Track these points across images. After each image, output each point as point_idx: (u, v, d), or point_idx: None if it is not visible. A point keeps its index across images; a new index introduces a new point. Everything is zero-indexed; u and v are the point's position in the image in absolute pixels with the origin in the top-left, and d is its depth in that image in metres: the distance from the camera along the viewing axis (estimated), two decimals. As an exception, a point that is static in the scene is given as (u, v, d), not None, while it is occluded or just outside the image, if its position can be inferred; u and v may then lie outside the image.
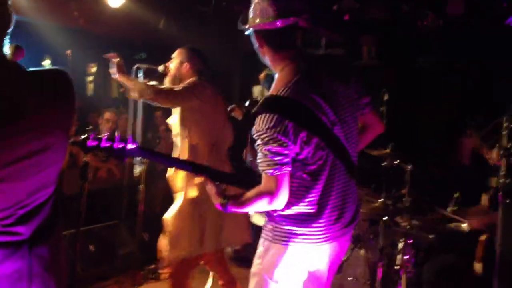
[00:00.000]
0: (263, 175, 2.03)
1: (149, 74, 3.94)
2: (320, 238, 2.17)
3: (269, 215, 2.20)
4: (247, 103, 4.60)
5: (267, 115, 1.98)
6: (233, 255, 5.14)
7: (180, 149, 3.68)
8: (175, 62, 3.82)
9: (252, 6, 2.17)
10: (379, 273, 3.55)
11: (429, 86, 5.88)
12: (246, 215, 3.98)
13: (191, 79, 3.70)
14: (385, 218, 3.58)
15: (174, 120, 3.75)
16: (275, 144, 1.98)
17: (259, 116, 2.00)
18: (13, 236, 1.56)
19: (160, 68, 3.87)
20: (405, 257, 3.60)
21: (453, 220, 3.86)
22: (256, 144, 2.03)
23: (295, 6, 2.19)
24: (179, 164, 2.45)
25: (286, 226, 2.15)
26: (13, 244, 1.57)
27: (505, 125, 1.96)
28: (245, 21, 2.20)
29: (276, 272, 2.18)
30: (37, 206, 1.62)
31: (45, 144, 1.59)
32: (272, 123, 1.97)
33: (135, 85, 3.56)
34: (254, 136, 2.04)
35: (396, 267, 3.61)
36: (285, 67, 2.15)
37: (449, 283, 3.51)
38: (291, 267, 2.19)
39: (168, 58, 3.89)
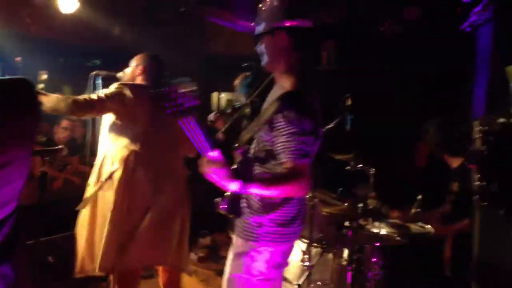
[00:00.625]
0: (291, 162, 2.08)
1: (108, 81, 3.84)
2: (295, 238, 2.37)
3: (256, 216, 2.26)
4: (228, 110, 4.54)
5: (301, 108, 2.08)
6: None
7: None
8: (131, 66, 3.75)
9: (272, 3, 2.20)
10: (348, 277, 3.56)
11: (389, 90, 5.96)
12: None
13: (114, 85, 3.54)
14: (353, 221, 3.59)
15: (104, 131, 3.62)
16: (306, 135, 2.09)
17: (293, 108, 2.06)
18: None
19: (119, 74, 3.79)
20: (373, 260, 3.63)
21: (417, 221, 3.93)
22: (288, 132, 2.07)
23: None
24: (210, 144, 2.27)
25: (273, 228, 2.25)
26: None
27: (478, 128, 1.98)
28: (267, 18, 2.21)
29: (259, 271, 2.27)
30: (1, 221, 1.53)
31: (9, 158, 1.49)
32: (305, 116, 2.09)
33: (50, 99, 3.28)
34: (282, 125, 2.08)
35: (364, 270, 3.63)
36: (298, 69, 2.24)
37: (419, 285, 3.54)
38: (274, 265, 2.29)
39: (124, 65, 3.81)
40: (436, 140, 3.59)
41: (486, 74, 4.67)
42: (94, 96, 3.41)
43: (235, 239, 2.35)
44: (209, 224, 5.69)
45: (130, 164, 3.46)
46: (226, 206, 2.30)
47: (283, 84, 2.26)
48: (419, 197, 3.92)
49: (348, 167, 3.96)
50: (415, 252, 3.69)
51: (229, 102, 10.71)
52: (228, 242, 6.02)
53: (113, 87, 3.52)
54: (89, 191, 3.57)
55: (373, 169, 3.93)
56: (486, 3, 4.32)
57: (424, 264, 3.68)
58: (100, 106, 3.41)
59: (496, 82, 4.47)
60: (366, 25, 6.11)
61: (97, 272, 3.46)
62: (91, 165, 3.71)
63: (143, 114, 3.53)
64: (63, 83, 7.61)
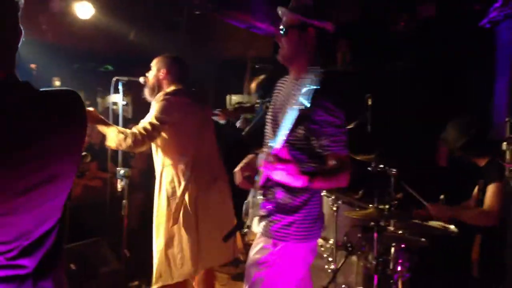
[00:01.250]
0: (337, 155, 2.17)
1: (129, 86, 3.85)
2: (320, 233, 2.43)
3: (286, 215, 2.28)
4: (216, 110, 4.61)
5: (337, 100, 2.17)
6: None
7: (163, 169, 3.63)
8: (153, 70, 3.74)
9: (308, 1, 2.26)
10: (375, 279, 3.51)
11: (406, 89, 5.91)
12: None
13: (158, 99, 3.57)
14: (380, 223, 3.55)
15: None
16: (346, 128, 2.21)
17: (332, 103, 2.15)
18: (17, 270, 1.43)
19: (141, 79, 3.78)
20: (399, 262, 3.58)
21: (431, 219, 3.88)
22: (335, 125, 2.15)
23: None
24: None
25: (304, 225, 2.29)
26: (17, 278, 1.43)
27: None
28: (302, 11, 2.23)
29: (291, 270, 2.32)
30: (41, 236, 1.48)
31: (54, 172, 1.44)
32: (341, 107, 2.18)
33: (111, 136, 3.43)
34: (330, 119, 2.14)
35: (390, 272, 3.58)
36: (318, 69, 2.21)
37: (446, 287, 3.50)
38: (304, 263, 2.37)
39: (137, 69, 3.82)
40: (458, 145, 3.52)
41: (508, 70, 4.63)
42: (148, 126, 3.44)
43: (265, 240, 2.35)
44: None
45: (189, 174, 3.56)
46: (269, 209, 2.33)
47: (309, 82, 2.23)
48: (442, 196, 3.85)
49: (369, 168, 3.91)
50: (442, 253, 3.64)
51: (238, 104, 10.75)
52: (245, 246, 6.01)
53: (158, 100, 3.54)
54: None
55: (395, 170, 3.87)
56: (506, -2, 4.28)
57: (451, 265, 3.63)
58: (158, 132, 3.48)
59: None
60: (381, 24, 6.06)
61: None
62: (109, 171, 3.74)
63: (193, 121, 3.62)
64: (77, 89, 7.65)
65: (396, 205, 3.61)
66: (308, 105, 2.08)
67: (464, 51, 5.36)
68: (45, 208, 1.45)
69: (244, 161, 2.54)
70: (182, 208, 3.54)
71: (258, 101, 4.59)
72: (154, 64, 3.74)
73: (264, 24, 5.17)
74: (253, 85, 4.73)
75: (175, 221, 3.54)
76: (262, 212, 2.31)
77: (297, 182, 2.06)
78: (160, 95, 3.58)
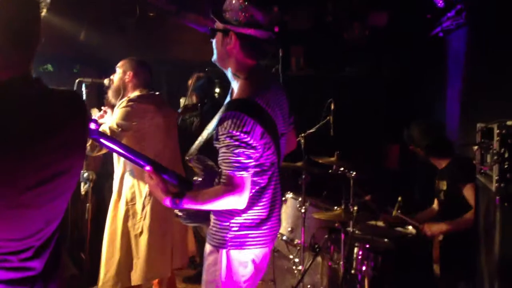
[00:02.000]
0: (229, 174, 2.06)
1: (92, 88, 3.76)
2: (268, 241, 2.30)
3: (221, 221, 2.23)
4: (179, 110, 4.60)
5: (239, 117, 2.03)
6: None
7: (123, 173, 3.62)
8: (118, 73, 3.68)
9: (234, 6, 2.17)
10: (340, 279, 3.59)
11: (357, 94, 6.08)
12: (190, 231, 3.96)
13: (122, 104, 3.54)
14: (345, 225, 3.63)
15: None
16: (246, 147, 2.04)
17: (229, 118, 2.03)
18: (27, 272, 1.42)
19: (106, 81, 3.71)
20: (364, 262, 3.68)
21: (398, 224, 4.02)
22: (224, 144, 2.06)
23: (272, 19, 2.26)
24: (137, 157, 2.21)
25: (241, 231, 2.22)
26: (28, 280, 1.42)
27: (497, 131, 2.05)
28: (222, 19, 2.19)
29: (233, 277, 2.22)
30: (49, 237, 1.50)
31: (66, 166, 1.47)
32: (243, 126, 2.03)
33: None
34: (221, 136, 2.06)
35: (355, 272, 3.67)
36: (250, 74, 2.21)
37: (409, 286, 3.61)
38: (246, 271, 2.25)
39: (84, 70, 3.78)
40: (423, 144, 3.66)
41: (460, 78, 4.87)
42: (107, 132, 3.37)
43: (207, 246, 2.31)
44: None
45: None
46: (181, 214, 2.31)
47: (234, 87, 2.27)
48: (399, 198, 3.96)
49: (330, 171, 3.99)
50: (404, 252, 3.75)
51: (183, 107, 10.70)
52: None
53: (121, 106, 3.49)
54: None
55: (354, 173, 3.97)
56: (459, 9, 4.51)
57: (413, 264, 3.75)
58: (124, 134, 3.43)
59: (469, 85, 4.66)
60: (334, 31, 6.20)
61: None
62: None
63: (156, 128, 3.61)
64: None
65: (363, 207, 3.70)
66: (217, 120, 2.14)
67: (416, 58, 5.59)
68: (54, 204, 1.47)
69: None
70: (142, 214, 3.55)
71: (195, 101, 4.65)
72: (120, 66, 3.70)
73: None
74: (189, 82, 4.77)
75: (141, 223, 3.55)
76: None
77: (164, 202, 2.11)
78: (123, 101, 3.54)
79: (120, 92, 3.64)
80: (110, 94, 3.69)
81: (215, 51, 2.28)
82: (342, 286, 3.60)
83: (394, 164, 6.02)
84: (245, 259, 2.24)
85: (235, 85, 2.26)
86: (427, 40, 5.33)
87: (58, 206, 1.49)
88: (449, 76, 5.18)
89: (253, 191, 2.18)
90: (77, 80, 3.68)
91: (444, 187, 3.65)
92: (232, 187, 2.07)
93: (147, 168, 2.11)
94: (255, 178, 2.17)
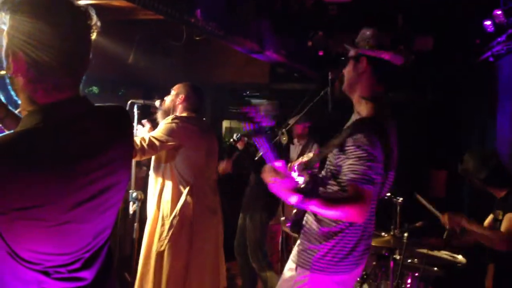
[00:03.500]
0: (357, 185, 2.06)
1: (144, 110, 3.83)
2: (354, 266, 2.29)
3: (311, 242, 2.25)
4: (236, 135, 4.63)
5: (372, 135, 2.10)
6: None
7: (162, 187, 3.65)
8: (171, 95, 3.77)
9: (366, 35, 2.30)
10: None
11: (402, 119, 6.00)
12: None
13: (169, 119, 3.62)
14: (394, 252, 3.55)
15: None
16: (376, 162, 2.08)
17: (361, 133, 2.09)
18: (77, 282, 1.45)
19: (157, 102, 3.80)
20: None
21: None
22: (354, 156, 2.09)
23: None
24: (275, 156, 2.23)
25: (328, 258, 2.21)
26: None
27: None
28: (355, 45, 2.32)
29: None
30: (99, 248, 1.53)
31: (113, 181, 1.50)
32: (376, 143, 2.10)
33: None
34: (350, 147, 2.10)
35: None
36: (377, 99, 2.29)
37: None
38: None
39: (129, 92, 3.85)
40: (481, 176, 3.55)
41: (510, 103, 4.76)
42: (146, 140, 3.43)
43: (289, 261, 2.35)
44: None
45: (190, 200, 3.59)
46: (289, 224, 2.35)
47: (360, 111, 2.30)
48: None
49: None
50: (454, 282, 3.65)
51: (228, 129, 10.81)
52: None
53: (167, 121, 3.57)
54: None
55: (400, 199, 3.90)
56: (510, 33, 4.43)
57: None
58: (153, 150, 3.48)
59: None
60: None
61: None
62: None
63: (199, 149, 3.66)
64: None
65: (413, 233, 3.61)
66: (345, 133, 2.16)
67: (464, 83, 5.50)
68: (102, 218, 1.50)
69: None
70: (175, 231, 3.55)
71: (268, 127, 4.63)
72: (175, 89, 3.81)
73: (269, 51, 5.22)
74: (262, 109, 4.79)
75: (166, 240, 3.56)
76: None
77: (290, 198, 2.07)
78: (170, 117, 3.62)
79: (170, 113, 3.73)
80: (159, 114, 3.78)
81: (345, 79, 2.36)
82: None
83: (441, 191, 5.89)
84: (322, 285, 2.25)
85: (361, 108, 2.31)
86: (476, 64, 5.25)
87: (106, 219, 1.52)
88: (499, 101, 5.07)
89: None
90: (129, 102, 3.75)
91: (501, 217, 3.53)
92: (359, 197, 2.06)
93: (279, 163, 2.10)
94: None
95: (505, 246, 3.26)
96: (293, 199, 2.06)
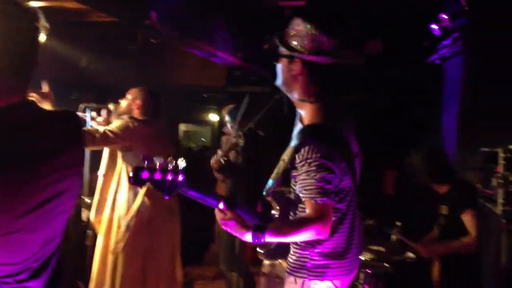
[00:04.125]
0: (311, 202, 1.98)
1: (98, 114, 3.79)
2: (348, 270, 2.18)
3: (301, 249, 2.15)
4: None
5: (315, 143, 1.99)
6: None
7: (117, 188, 3.64)
8: (127, 99, 3.75)
9: (301, 32, 2.13)
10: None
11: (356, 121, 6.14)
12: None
13: (125, 117, 3.64)
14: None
15: (104, 159, 3.73)
16: (326, 172, 1.97)
17: (306, 145, 1.99)
18: None
19: (111, 106, 3.76)
20: (365, 286, 3.68)
21: (400, 249, 4.03)
22: (302, 171, 1.99)
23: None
24: (207, 197, 2.10)
25: (322, 261, 2.12)
26: None
27: (502, 155, 2.11)
28: (287, 45, 2.15)
29: None
30: (48, 257, 1.48)
31: (64, 187, 1.46)
32: (322, 151, 1.98)
33: None
34: (298, 164, 2.01)
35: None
36: (318, 98, 2.16)
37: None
38: None
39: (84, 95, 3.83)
40: (426, 171, 3.70)
41: (456, 103, 4.95)
42: (99, 131, 3.43)
43: (287, 275, 2.23)
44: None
45: (146, 201, 3.57)
46: (262, 252, 2.23)
47: (303, 115, 2.22)
48: (399, 223, 3.98)
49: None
50: (404, 278, 3.76)
51: (186, 133, 10.75)
52: (203, 275, 5.92)
53: (121, 120, 3.57)
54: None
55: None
56: (456, 37, 4.62)
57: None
58: (104, 142, 3.46)
59: (465, 110, 4.75)
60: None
61: None
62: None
63: (154, 150, 3.59)
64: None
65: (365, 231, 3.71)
66: (292, 149, 2.06)
67: (412, 85, 5.68)
68: (52, 226, 1.46)
69: None
70: (132, 233, 3.54)
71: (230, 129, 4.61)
72: (131, 93, 3.79)
73: (226, 53, 5.25)
74: (223, 113, 4.77)
75: (122, 242, 3.54)
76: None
77: (243, 236, 1.98)
78: (126, 116, 3.65)
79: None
80: (114, 118, 3.73)
81: (279, 76, 2.22)
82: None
83: (390, 189, 6.07)
84: None
85: (303, 111, 2.21)
86: (423, 67, 5.43)
87: (56, 227, 1.48)
88: (444, 102, 5.27)
89: (334, 218, 2.07)
90: (82, 106, 3.70)
91: (445, 212, 3.67)
92: (316, 215, 1.97)
93: (220, 205, 2.01)
94: (336, 205, 2.07)
95: (477, 246, 3.26)
96: (247, 236, 1.97)
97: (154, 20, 4.00)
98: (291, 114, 2.56)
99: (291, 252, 2.20)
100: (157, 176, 1.87)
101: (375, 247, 4.04)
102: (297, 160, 2.01)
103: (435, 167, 3.65)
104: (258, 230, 1.96)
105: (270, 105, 3.49)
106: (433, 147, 3.94)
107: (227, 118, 4.57)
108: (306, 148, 1.99)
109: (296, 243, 2.17)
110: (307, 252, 2.14)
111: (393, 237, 4.02)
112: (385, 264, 3.82)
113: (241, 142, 3.79)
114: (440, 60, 5.07)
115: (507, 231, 2.07)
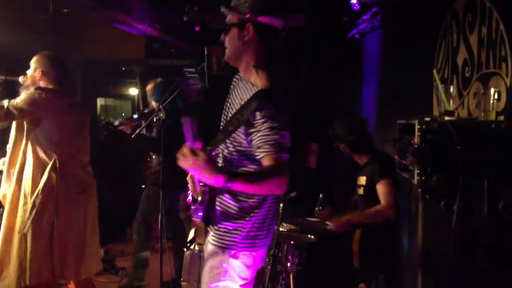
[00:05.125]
0: (274, 156, 2.00)
1: (7, 87, 3.58)
2: (269, 240, 2.26)
3: (234, 223, 2.16)
4: (135, 116, 4.40)
5: (278, 104, 2.04)
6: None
7: (23, 163, 3.46)
8: (31, 70, 3.55)
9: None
10: (267, 275, 3.62)
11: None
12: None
13: (32, 89, 3.45)
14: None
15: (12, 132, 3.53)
16: (284, 130, 2.04)
17: (270, 104, 2.02)
18: None
19: (20, 78, 3.55)
20: (288, 258, 3.74)
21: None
22: (265, 127, 2.01)
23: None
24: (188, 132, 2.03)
25: (253, 232, 2.16)
26: None
27: (418, 127, 2.16)
28: (237, 10, 2.12)
29: (240, 277, 2.17)
30: None
31: None
32: (284, 112, 2.05)
33: None
34: (259, 120, 2.02)
35: (280, 269, 3.72)
36: (266, 63, 2.16)
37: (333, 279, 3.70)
38: (249, 272, 2.20)
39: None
40: (348, 140, 3.76)
41: (375, 77, 5.07)
42: (11, 107, 3.27)
43: (209, 247, 2.22)
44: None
45: (53, 176, 3.42)
46: (202, 214, 2.19)
47: (254, 81, 2.17)
48: (321, 195, 4.06)
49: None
50: (327, 248, 3.85)
51: (104, 108, 10.39)
52: (123, 251, 5.82)
53: (30, 91, 3.40)
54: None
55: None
56: (374, 12, 4.70)
57: (335, 259, 3.86)
58: (7, 118, 3.31)
59: (383, 84, 4.88)
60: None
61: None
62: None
63: (63, 123, 3.48)
64: None
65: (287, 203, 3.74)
66: (250, 107, 2.06)
67: (334, 59, 5.75)
68: None
69: None
70: (38, 211, 3.39)
71: (155, 105, 4.48)
72: (33, 62, 3.59)
73: (143, 25, 5.07)
74: (149, 88, 4.62)
75: (29, 220, 3.39)
76: (199, 219, 2.22)
77: (213, 180, 1.93)
78: (33, 88, 3.47)
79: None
80: (22, 91, 3.54)
81: (228, 48, 2.20)
82: (267, 284, 3.63)
83: (313, 162, 6.15)
84: (250, 261, 2.20)
85: (254, 79, 2.17)
86: (344, 41, 5.51)
87: None
88: (365, 76, 5.38)
89: None
90: (-12, 79, 3.47)
91: (364, 183, 3.77)
92: (280, 167, 2.00)
93: (197, 144, 1.93)
94: None
95: (392, 214, 3.41)
96: (218, 180, 1.92)
97: (65, -12, 3.78)
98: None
99: (218, 224, 2.20)
100: None
101: (297, 220, 4.12)
102: (258, 117, 2.02)
103: (356, 137, 3.73)
104: (230, 174, 1.94)
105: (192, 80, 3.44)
106: (354, 117, 4.02)
107: (151, 94, 4.49)
108: (270, 106, 2.02)
109: (228, 215, 2.17)
110: (240, 225, 2.15)
111: (316, 209, 4.10)
112: (308, 235, 3.91)
113: (161, 116, 3.72)
114: (359, 35, 5.16)
115: (423, 200, 2.13)
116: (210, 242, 2.22)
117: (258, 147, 2.04)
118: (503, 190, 2.07)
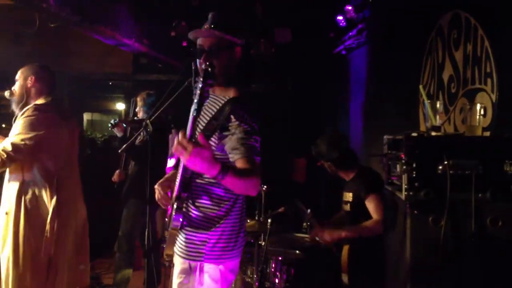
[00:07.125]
0: (250, 159, 2.07)
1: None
2: (240, 252, 2.31)
3: (200, 233, 2.19)
4: (124, 125, 4.44)
5: (252, 111, 2.15)
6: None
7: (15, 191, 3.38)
8: (19, 81, 3.50)
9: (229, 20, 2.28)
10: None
11: (263, 110, 6.18)
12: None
13: (33, 106, 3.37)
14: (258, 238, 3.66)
15: None
16: (257, 135, 2.14)
17: (244, 110, 2.13)
18: None
19: (6, 93, 3.50)
20: (277, 274, 3.72)
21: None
22: (241, 130, 2.09)
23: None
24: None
25: (220, 244, 2.19)
26: None
27: (405, 143, 2.17)
28: (231, 32, 2.25)
29: None
30: None
31: None
32: (257, 118, 2.15)
33: None
34: (234, 124, 2.10)
35: (268, 285, 3.70)
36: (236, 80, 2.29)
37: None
38: (218, 285, 2.21)
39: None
40: (332, 157, 3.74)
41: (361, 93, 5.11)
42: (9, 148, 3.21)
43: (178, 259, 2.25)
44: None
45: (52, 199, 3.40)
46: (180, 222, 2.21)
47: (225, 94, 2.25)
48: (309, 211, 4.05)
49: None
50: (315, 264, 3.84)
51: (90, 122, 10.34)
52: (109, 268, 5.75)
53: (26, 115, 3.32)
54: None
55: (265, 186, 4.04)
56: (360, 28, 4.74)
57: (324, 275, 3.85)
58: (21, 155, 3.27)
59: (370, 99, 4.91)
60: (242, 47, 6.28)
61: None
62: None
63: (60, 140, 3.48)
64: None
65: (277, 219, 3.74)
66: (224, 111, 2.11)
67: (320, 75, 5.79)
68: None
69: (166, 176, 2.49)
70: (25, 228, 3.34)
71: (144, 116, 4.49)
72: (20, 73, 3.53)
73: (130, 40, 5.07)
74: (140, 98, 4.64)
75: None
76: (174, 228, 2.23)
77: (210, 169, 1.92)
78: (28, 109, 3.36)
79: (23, 99, 3.45)
80: (14, 105, 3.49)
81: (224, 71, 2.25)
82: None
83: (301, 177, 6.17)
84: (218, 274, 2.20)
85: (228, 93, 2.24)
86: (331, 57, 5.55)
87: None
88: (351, 91, 5.42)
89: (232, 195, 2.22)
90: (-29, 95, 3.43)
91: (350, 199, 3.75)
92: (256, 169, 2.07)
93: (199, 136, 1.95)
94: None
95: (376, 232, 3.37)
96: (212, 169, 1.92)
97: (51, 3, 3.76)
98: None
99: (184, 237, 2.23)
100: None
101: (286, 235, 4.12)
102: (233, 120, 2.10)
103: (340, 153, 3.71)
104: (225, 167, 1.96)
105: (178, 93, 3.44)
106: (335, 132, 4.01)
107: (143, 104, 4.52)
108: (242, 110, 2.11)
109: (193, 227, 2.21)
110: (205, 236, 2.19)
111: (304, 225, 4.09)
112: (296, 251, 3.90)
113: (149, 130, 3.71)
114: (346, 51, 5.20)
115: (411, 215, 2.14)
116: (177, 253, 2.25)
117: (234, 149, 2.09)
118: (490, 205, 2.08)
